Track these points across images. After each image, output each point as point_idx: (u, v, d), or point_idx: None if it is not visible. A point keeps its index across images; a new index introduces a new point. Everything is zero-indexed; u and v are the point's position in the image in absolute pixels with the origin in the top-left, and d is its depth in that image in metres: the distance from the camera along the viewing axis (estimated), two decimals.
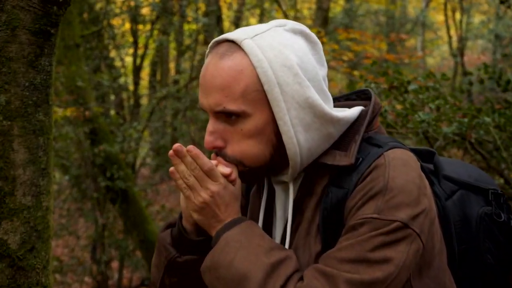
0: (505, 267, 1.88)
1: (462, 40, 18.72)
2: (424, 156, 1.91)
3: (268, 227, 1.85)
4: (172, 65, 17.29)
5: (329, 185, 1.67)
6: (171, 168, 1.73)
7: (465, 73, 15.65)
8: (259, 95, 1.62)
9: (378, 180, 1.57)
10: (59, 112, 7.64)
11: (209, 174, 1.67)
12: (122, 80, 13.96)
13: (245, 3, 15.67)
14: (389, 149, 1.65)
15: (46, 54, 1.97)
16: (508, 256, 1.88)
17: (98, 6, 12.95)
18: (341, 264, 1.52)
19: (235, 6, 15.95)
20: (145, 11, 13.56)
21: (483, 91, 13.97)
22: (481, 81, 4.66)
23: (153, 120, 12.55)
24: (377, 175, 1.58)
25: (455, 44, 20.16)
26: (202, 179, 1.67)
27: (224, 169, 1.68)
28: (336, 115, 1.67)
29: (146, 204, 9.96)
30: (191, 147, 1.69)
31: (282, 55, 1.62)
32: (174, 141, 15.68)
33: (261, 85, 1.61)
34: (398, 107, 4.68)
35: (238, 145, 1.67)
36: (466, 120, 3.92)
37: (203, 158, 1.67)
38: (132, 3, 12.57)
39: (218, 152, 1.71)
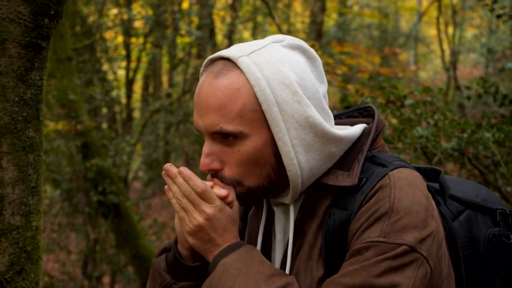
0: None
1: (454, 54, 18.77)
2: (429, 175, 1.83)
3: (267, 251, 1.78)
4: (165, 79, 17.28)
5: (331, 206, 1.60)
6: (166, 186, 1.66)
7: (458, 87, 15.71)
8: (257, 114, 1.54)
9: (383, 201, 1.50)
10: (50, 125, 7.57)
11: (203, 196, 1.59)
12: (114, 93, 13.92)
13: (238, 17, 15.66)
14: (394, 168, 1.58)
15: (37, 68, 1.90)
16: None
17: (90, 19, 12.92)
18: None
19: (228, 20, 15.94)
20: (138, 24, 13.55)
21: (476, 105, 14.00)
22: (479, 96, 4.62)
23: (146, 133, 12.50)
24: (382, 196, 1.51)
25: (447, 58, 20.22)
26: (195, 201, 1.60)
27: (220, 191, 1.60)
28: (338, 133, 1.61)
29: (139, 218, 9.88)
30: (182, 168, 1.62)
31: (280, 73, 1.54)
32: (167, 154, 15.64)
33: (259, 105, 1.53)
34: (394, 121, 4.63)
35: (236, 166, 1.59)
36: (465, 135, 3.87)
37: (195, 179, 1.60)
38: (125, 16, 12.55)
39: (215, 174, 1.63)
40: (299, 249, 1.66)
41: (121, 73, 15.30)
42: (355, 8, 20.62)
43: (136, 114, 15.83)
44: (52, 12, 1.87)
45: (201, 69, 1.65)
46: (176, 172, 1.61)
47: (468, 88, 4.77)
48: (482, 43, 18.84)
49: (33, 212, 1.94)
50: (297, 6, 19.54)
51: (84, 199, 9.32)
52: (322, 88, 1.65)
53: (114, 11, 13.79)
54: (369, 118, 1.76)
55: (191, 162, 16.72)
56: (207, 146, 1.60)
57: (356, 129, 1.68)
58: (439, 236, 1.56)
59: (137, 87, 17.56)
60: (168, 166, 1.62)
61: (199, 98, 1.58)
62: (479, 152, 4.31)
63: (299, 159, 1.56)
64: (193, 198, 1.59)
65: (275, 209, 1.75)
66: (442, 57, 20.03)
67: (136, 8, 13.68)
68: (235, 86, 1.53)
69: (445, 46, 19.69)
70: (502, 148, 3.94)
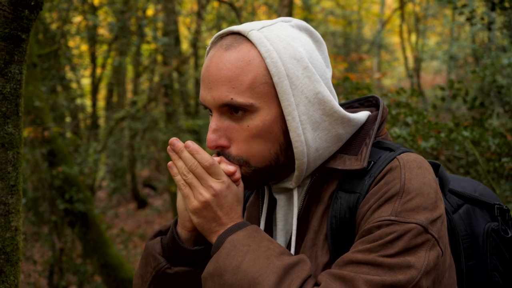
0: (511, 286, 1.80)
1: (417, 61, 19.00)
2: None
3: None
4: (129, 86, 17.13)
5: (337, 190, 1.56)
6: (170, 162, 1.59)
7: (421, 94, 15.87)
8: (267, 88, 1.51)
9: (394, 182, 1.47)
10: None
11: (210, 170, 1.53)
12: (78, 101, 13.75)
13: (202, 24, 15.62)
14: (401, 152, 1.56)
15: (16, 61, 1.82)
16: None
17: (54, 25, 12.74)
18: (359, 267, 1.39)
19: (193, 27, 15.90)
20: (103, 31, 13.41)
21: (439, 111, 14.15)
22: (454, 97, 4.64)
23: (111, 142, 12.36)
24: (392, 178, 1.48)
25: (411, 65, 20.46)
26: (202, 176, 1.53)
27: (228, 167, 1.55)
28: (346, 114, 1.58)
29: (106, 227, 9.73)
30: (189, 142, 1.56)
31: (291, 47, 1.52)
32: (132, 163, 15.50)
33: (270, 78, 1.50)
34: None
35: (244, 144, 1.54)
36: (443, 135, 3.87)
37: (203, 153, 1.54)
38: (90, 23, 12.41)
39: (221, 152, 1.57)
40: (303, 237, 1.62)
41: (86, 81, 15.14)
42: (320, 16, 20.72)
43: (101, 122, 15.66)
44: (32, 3, 1.80)
45: (208, 47, 1.62)
46: (183, 146, 1.56)
47: (442, 88, 4.79)
48: (444, 50, 19.10)
49: (12, 212, 1.86)
50: (261, 15, 19.57)
51: (50, 208, 9.15)
52: (328, 72, 1.63)
53: (78, 18, 13.64)
54: (371, 108, 1.74)
55: (161, 169, 16.61)
56: (214, 122, 1.55)
57: (362, 115, 1.66)
58: (445, 221, 1.53)
59: (101, 95, 17.38)
60: (174, 140, 1.57)
61: (208, 71, 1.54)
62: (453, 153, 4.32)
63: (306, 136, 1.53)
64: (200, 173, 1.53)
65: (277, 197, 1.70)
66: (406, 64, 20.27)
67: (101, 15, 13.56)
68: (246, 58, 1.50)
69: (408, 53, 19.94)
70: (478, 147, 3.95)
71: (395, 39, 24.79)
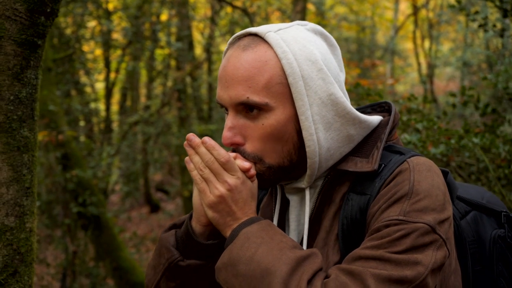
0: None
1: (431, 67, 18.96)
2: None
3: None
4: (143, 91, 17.21)
5: (349, 192, 1.61)
6: (186, 158, 1.64)
7: (434, 100, 15.84)
8: (282, 88, 1.55)
9: (403, 184, 1.51)
10: None
11: (226, 166, 1.58)
12: (92, 105, 13.84)
13: (215, 29, 15.68)
14: (411, 156, 1.61)
15: (32, 67, 1.87)
16: None
17: (69, 30, 12.84)
18: (367, 262, 1.43)
19: (207, 32, 15.96)
20: (117, 36, 13.50)
21: (452, 118, 14.11)
22: (464, 103, 4.66)
23: (124, 146, 12.43)
24: (401, 180, 1.52)
25: (424, 71, 20.41)
26: (218, 171, 1.58)
27: (243, 163, 1.59)
28: (358, 114, 1.62)
29: (119, 230, 9.78)
30: (206, 138, 1.60)
31: (307, 49, 1.57)
32: (145, 167, 15.57)
33: (285, 78, 1.55)
34: None
35: (258, 142, 1.59)
36: (453, 141, 3.89)
37: (219, 149, 1.58)
38: (105, 28, 12.50)
39: (236, 149, 1.62)
40: (315, 237, 1.66)
41: (100, 85, 15.23)
42: (333, 21, 20.74)
43: (115, 126, 15.75)
44: (48, 10, 1.85)
45: (226, 47, 1.67)
46: (199, 142, 1.60)
47: (453, 95, 4.80)
48: (457, 56, 19.05)
49: (27, 214, 1.91)
50: (274, 20, 19.62)
51: (63, 211, 9.22)
52: (342, 75, 1.68)
53: (93, 23, 13.74)
54: (384, 113, 1.78)
55: (174, 173, 16.65)
56: (230, 120, 1.60)
57: (374, 118, 1.70)
58: (453, 225, 1.57)
59: (115, 99, 17.48)
60: (191, 136, 1.61)
61: (225, 71, 1.59)
62: (463, 160, 4.33)
63: (319, 136, 1.57)
64: (216, 168, 1.58)
65: (290, 197, 1.74)
66: (419, 70, 20.23)
67: (115, 20, 13.65)
68: (263, 58, 1.55)
69: (422, 59, 19.90)
70: (488, 154, 3.96)
71: (408, 45, 24.74)
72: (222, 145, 1.65)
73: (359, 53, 21.09)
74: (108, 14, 13.00)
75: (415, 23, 19.39)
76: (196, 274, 1.68)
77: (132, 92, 16.28)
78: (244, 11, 8.58)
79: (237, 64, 1.57)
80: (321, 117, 1.57)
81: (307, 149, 1.58)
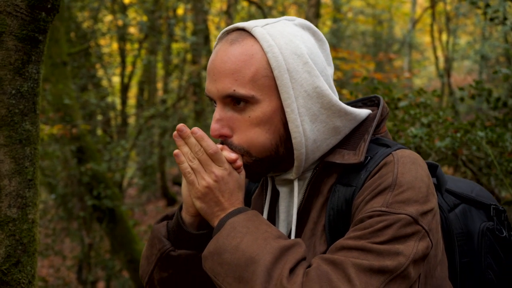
0: (506, 285, 1.85)
1: (448, 60, 18.83)
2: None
3: None
4: (159, 85, 17.27)
5: (336, 184, 1.64)
6: (176, 150, 1.68)
7: (452, 94, 15.75)
8: (268, 81, 1.59)
9: (386, 176, 1.55)
10: (45, 129, 7.56)
11: (214, 157, 1.62)
12: (109, 99, 13.91)
13: (232, 23, 15.68)
14: (398, 149, 1.63)
15: (34, 62, 1.91)
16: (509, 274, 1.85)
17: (85, 24, 12.92)
18: (349, 252, 1.46)
19: (222, 26, 15.97)
20: (133, 30, 13.56)
21: (470, 111, 14.03)
22: (472, 97, 4.65)
23: (140, 140, 12.50)
24: (386, 172, 1.56)
25: (441, 64, 20.28)
26: (206, 162, 1.62)
27: (230, 154, 1.63)
28: (343, 106, 1.65)
29: (134, 223, 9.86)
30: (195, 128, 1.65)
31: (293, 43, 1.61)
32: (162, 161, 15.63)
33: (271, 71, 1.59)
34: (389, 124, 4.66)
35: (245, 134, 1.62)
36: (459, 135, 3.89)
37: (208, 141, 1.63)
38: (120, 22, 12.56)
39: (224, 141, 1.66)
40: (303, 227, 1.69)
41: (116, 79, 15.31)
42: (349, 15, 20.68)
43: (131, 120, 15.83)
44: (49, 6, 1.89)
45: (216, 42, 1.70)
46: (189, 133, 1.64)
47: (461, 89, 4.79)
48: (475, 50, 18.90)
49: (29, 205, 1.95)
50: (292, 13, 19.58)
51: (79, 204, 9.31)
52: (329, 69, 1.71)
53: (109, 17, 13.81)
54: (373, 107, 1.81)
55: None
56: (218, 112, 1.64)
57: (361, 111, 1.73)
58: (438, 216, 1.59)
59: (132, 93, 17.56)
60: (182, 126, 1.65)
61: (213, 64, 1.63)
62: (473, 153, 4.32)
63: (305, 128, 1.60)
64: (204, 159, 1.62)
65: (280, 189, 1.78)
66: (436, 64, 20.10)
67: (131, 14, 13.71)
68: (249, 52, 1.59)
69: (439, 53, 19.76)
70: (495, 148, 3.96)
71: (426, 39, 24.59)
72: (210, 137, 1.69)
73: (376, 47, 21.00)
74: (124, 8, 13.06)
75: (433, 16, 19.25)
76: (188, 264, 1.72)
77: (149, 86, 16.35)
78: (257, 5, 8.58)
79: (224, 58, 1.61)
80: (306, 109, 1.60)
81: (293, 141, 1.61)
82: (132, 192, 16.66)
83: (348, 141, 1.69)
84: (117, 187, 10.18)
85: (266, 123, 1.61)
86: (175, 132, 1.66)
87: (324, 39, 1.72)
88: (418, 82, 24.74)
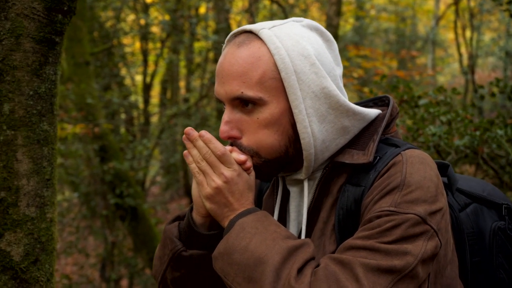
0: None
1: (472, 57, 18.66)
2: (438, 169, 1.87)
3: None
4: (182, 83, 17.34)
5: (345, 183, 1.65)
6: (185, 151, 1.70)
7: (476, 90, 15.61)
8: (276, 82, 1.61)
9: (395, 176, 1.55)
10: (68, 128, 7.64)
11: (222, 159, 1.63)
12: (132, 98, 14.00)
13: (255, 21, 15.70)
14: (407, 149, 1.64)
15: (51, 63, 1.94)
16: None
17: (108, 24, 13.02)
18: (357, 252, 1.47)
19: (244, 24, 15.97)
20: (155, 29, 13.63)
21: (494, 108, 13.89)
22: (492, 94, 4.61)
23: (163, 138, 12.56)
24: (394, 172, 1.56)
25: (465, 61, 20.10)
26: (215, 164, 1.64)
27: (239, 156, 1.65)
28: (351, 106, 1.66)
29: (156, 222, 9.92)
30: (203, 132, 1.66)
31: (300, 45, 1.62)
32: (184, 159, 15.67)
33: (278, 73, 1.60)
34: (409, 122, 4.64)
35: (254, 135, 1.64)
36: (478, 133, 3.86)
37: (216, 143, 1.64)
38: (142, 21, 12.64)
39: (233, 143, 1.68)
40: (313, 227, 1.71)
41: (139, 78, 15.41)
42: (372, 12, 20.59)
43: (154, 119, 15.91)
44: (65, 8, 1.92)
45: (224, 45, 1.72)
46: (197, 136, 1.66)
47: (481, 87, 4.76)
48: (500, 46, 18.72)
49: (47, 204, 1.99)
50: (314, 11, 19.54)
51: (102, 202, 9.39)
52: (338, 70, 1.72)
53: (132, 16, 13.90)
54: (384, 107, 1.81)
55: None
56: (227, 114, 1.65)
57: (371, 111, 1.74)
58: (447, 216, 1.59)
59: (155, 92, 17.65)
60: (189, 129, 1.67)
61: (221, 67, 1.65)
62: (493, 151, 4.29)
63: (313, 128, 1.62)
64: (213, 161, 1.64)
65: (291, 189, 1.80)
66: (460, 60, 19.93)
67: (153, 13, 13.79)
68: (256, 54, 1.61)
69: (463, 49, 19.59)
70: None
71: (449, 35, 24.39)
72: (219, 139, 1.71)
73: (399, 44, 20.88)
74: (146, 7, 13.14)
75: (456, 12, 19.09)
76: (199, 264, 1.74)
77: (172, 85, 16.42)
78: (278, 3, 8.59)
79: (232, 61, 1.62)
80: (314, 110, 1.61)
81: (302, 142, 1.62)
82: (155, 190, 16.75)
83: (358, 141, 1.70)
84: (139, 185, 10.25)
85: (274, 124, 1.62)
86: (184, 136, 1.68)
87: (333, 39, 1.73)
88: (441, 79, 24.55)
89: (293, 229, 1.78)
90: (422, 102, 4.52)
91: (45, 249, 1.99)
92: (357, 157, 1.64)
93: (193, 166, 1.67)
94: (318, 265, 1.51)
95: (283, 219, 1.83)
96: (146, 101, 14.01)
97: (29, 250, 1.93)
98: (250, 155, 1.66)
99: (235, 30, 1.70)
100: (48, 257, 2.01)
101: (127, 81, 14.27)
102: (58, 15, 1.91)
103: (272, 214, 1.82)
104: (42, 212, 1.96)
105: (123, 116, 13.82)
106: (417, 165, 1.57)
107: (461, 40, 19.56)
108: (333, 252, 1.60)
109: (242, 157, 1.64)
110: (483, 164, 4.47)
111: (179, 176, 16.70)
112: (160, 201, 13.60)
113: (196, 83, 15.52)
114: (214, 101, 14.57)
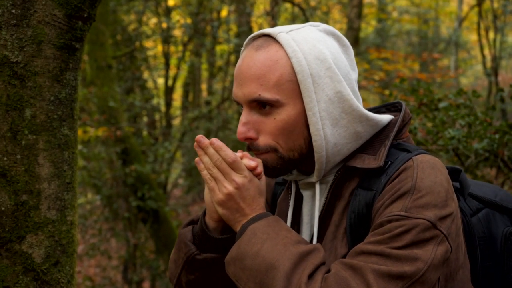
0: None
1: (496, 59, 18.51)
2: (450, 174, 1.88)
3: None
4: (204, 86, 17.41)
5: (357, 188, 1.68)
6: (197, 158, 1.73)
7: (497, 93, 15.49)
8: (292, 85, 1.64)
9: (406, 180, 1.57)
10: (91, 131, 7.72)
11: (233, 166, 1.66)
12: (154, 101, 14.08)
13: (276, 24, 15.71)
14: (418, 154, 1.65)
15: (71, 69, 1.99)
16: None
17: (131, 27, 13.11)
18: (368, 257, 1.49)
19: (266, 27, 16.00)
20: (177, 32, 13.71)
21: None
22: None
23: (185, 141, 12.61)
24: (405, 176, 1.58)
25: (489, 63, 19.94)
26: (226, 171, 1.67)
27: (250, 162, 1.68)
28: (365, 112, 1.68)
29: (177, 224, 9.97)
30: (213, 139, 1.69)
31: (316, 49, 1.65)
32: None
33: (295, 76, 1.63)
34: (429, 125, 4.62)
35: (270, 135, 1.67)
36: (497, 136, 3.84)
37: (226, 150, 1.67)
38: (164, 25, 12.71)
39: (250, 144, 1.71)
40: (325, 230, 1.73)
41: (161, 81, 15.48)
42: (394, 15, 20.51)
43: (176, 121, 15.98)
44: (85, 15, 1.96)
45: (243, 48, 1.75)
46: (208, 143, 1.69)
47: (501, 90, 4.73)
48: None
49: (68, 207, 2.03)
50: (336, 14, 19.53)
51: (124, 205, 9.46)
52: (353, 74, 1.74)
53: (154, 20, 13.99)
54: (397, 113, 1.83)
55: None
56: (245, 116, 1.68)
57: (383, 117, 1.76)
58: (458, 221, 1.60)
59: (177, 95, 17.73)
60: (200, 137, 1.70)
61: (240, 70, 1.69)
62: None
63: (325, 131, 1.64)
64: (224, 168, 1.67)
65: (303, 192, 1.82)
66: (483, 62, 19.78)
67: (175, 17, 13.87)
68: (274, 57, 1.64)
69: (486, 51, 19.44)
70: None
71: (472, 37, 24.21)
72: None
73: (421, 46, 20.78)
74: (168, 11, 13.22)
75: (479, 14, 18.96)
76: (213, 266, 1.78)
77: (194, 88, 16.49)
78: (299, 6, 8.60)
79: (250, 63, 1.65)
80: (328, 114, 1.64)
81: (314, 144, 1.65)
82: (177, 193, 16.83)
83: (369, 146, 1.72)
84: (161, 188, 10.31)
85: (290, 125, 1.65)
86: (195, 143, 1.71)
87: (349, 44, 1.76)
88: (464, 81, 24.39)
89: (306, 232, 1.80)
90: (442, 105, 4.50)
91: (66, 251, 2.03)
92: (368, 162, 1.66)
93: (204, 173, 1.70)
94: (329, 270, 1.53)
95: (297, 222, 1.85)
96: (168, 104, 14.07)
97: (50, 252, 1.97)
98: (268, 151, 1.69)
99: (253, 33, 1.74)
100: (69, 259, 2.05)
101: (149, 84, 14.35)
102: (79, 22, 1.95)
103: (286, 218, 1.85)
104: (62, 215, 2.00)
105: (145, 119, 13.91)
106: (428, 170, 1.59)
107: (484, 41, 19.41)
108: (345, 255, 1.62)
109: (252, 163, 1.68)
110: (504, 167, 4.44)
111: (201, 179, 16.75)
112: (182, 203, 13.64)
113: (218, 86, 15.57)
114: (235, 104, 14.58)
